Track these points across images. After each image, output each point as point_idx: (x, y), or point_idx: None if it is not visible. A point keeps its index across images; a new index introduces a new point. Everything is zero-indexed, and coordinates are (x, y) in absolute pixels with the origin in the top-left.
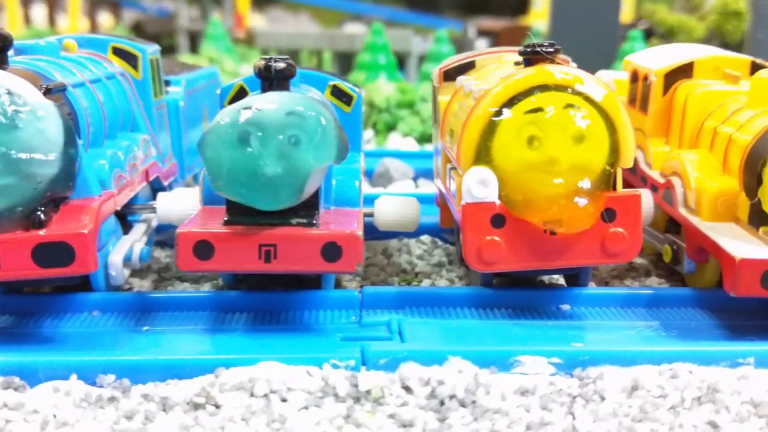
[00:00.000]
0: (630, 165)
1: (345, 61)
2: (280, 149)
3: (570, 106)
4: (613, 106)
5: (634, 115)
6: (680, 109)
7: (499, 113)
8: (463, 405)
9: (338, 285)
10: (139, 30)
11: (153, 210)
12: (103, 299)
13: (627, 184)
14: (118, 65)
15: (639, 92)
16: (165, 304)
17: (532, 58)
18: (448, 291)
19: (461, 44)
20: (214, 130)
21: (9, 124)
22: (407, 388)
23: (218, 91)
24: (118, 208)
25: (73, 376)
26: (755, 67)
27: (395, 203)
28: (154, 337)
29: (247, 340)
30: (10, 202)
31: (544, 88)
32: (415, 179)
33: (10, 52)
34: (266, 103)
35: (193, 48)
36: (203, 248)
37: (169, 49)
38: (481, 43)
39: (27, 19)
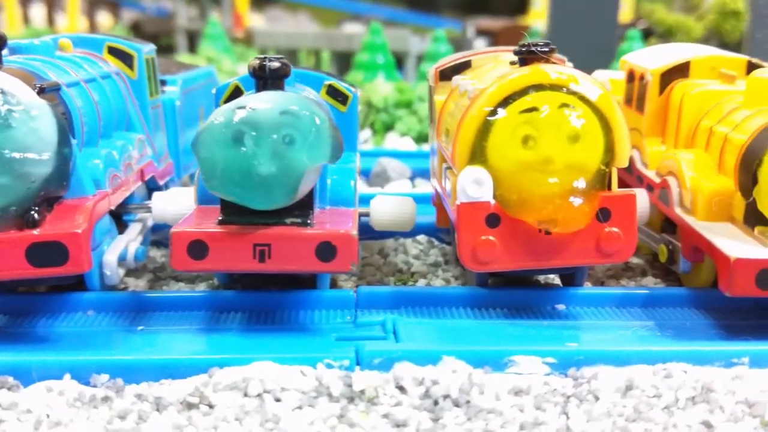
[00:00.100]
0: (625, 165)
1: (343, 61)
2: (274, 149)
3: (565, 105)
4: (608, 106)
5: (630, 114)
6: (676, 109)
7: (494, 113)
8: (457, 405)
9: (335, 285)
10: (137, 29)
11: (148, 209)
12: (97, 299)
13: (623, 184)
14: (113, 65)
15: (635, 92)
16: (160, 304)
17: (527, 57)
18: (443, 291)
19: (459, 44)
20: (208, 130)
21: (2, 123)
22: (401, 388)
23: (213, 91)
24: (113, 208)
25: (67, 376)
26: (751, 67)
27: (391, 203)
28: (149, 336)
29: (242, 339)
30: (4, 202)
31: (539, 87)
32: (412, 179)
33: (5, 52)
34: (260, 103)
35: (192, 47)
36: (197, 248)
37: (167, 49)
38: (480, 43)
39: (26, 19)
